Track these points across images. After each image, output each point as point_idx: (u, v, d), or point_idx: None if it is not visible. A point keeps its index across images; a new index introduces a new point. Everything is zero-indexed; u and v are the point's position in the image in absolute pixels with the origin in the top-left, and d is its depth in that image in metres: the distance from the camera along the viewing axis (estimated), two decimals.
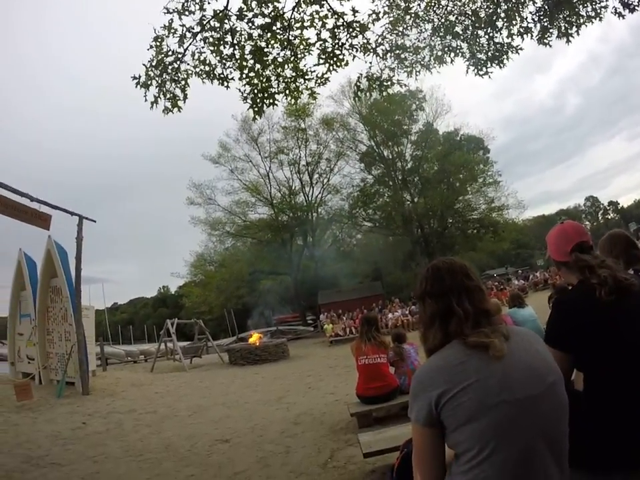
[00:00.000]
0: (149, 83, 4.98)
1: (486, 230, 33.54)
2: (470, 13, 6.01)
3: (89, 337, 9.72)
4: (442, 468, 1.25)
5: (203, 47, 4.95)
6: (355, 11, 5.01)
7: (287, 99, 5.55)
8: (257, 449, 4.78)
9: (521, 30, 5.93)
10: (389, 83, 5.77)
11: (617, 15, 5.82)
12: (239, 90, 5.22)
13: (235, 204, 32.83)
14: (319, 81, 5.41)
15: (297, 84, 5.44)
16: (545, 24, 5.92)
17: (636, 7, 5.73)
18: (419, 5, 6.00)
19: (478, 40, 6.01)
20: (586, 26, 5.96)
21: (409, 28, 5.94)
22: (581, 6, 5.82)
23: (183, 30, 4.77)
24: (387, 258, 35.79)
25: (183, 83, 5.10)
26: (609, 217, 68.31)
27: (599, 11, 5.86)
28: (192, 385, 10.65)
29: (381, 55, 5.61)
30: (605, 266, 1.60)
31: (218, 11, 4.75)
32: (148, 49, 4.89)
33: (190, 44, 4.90)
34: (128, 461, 4.74)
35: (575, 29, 5.95)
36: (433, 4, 6.06)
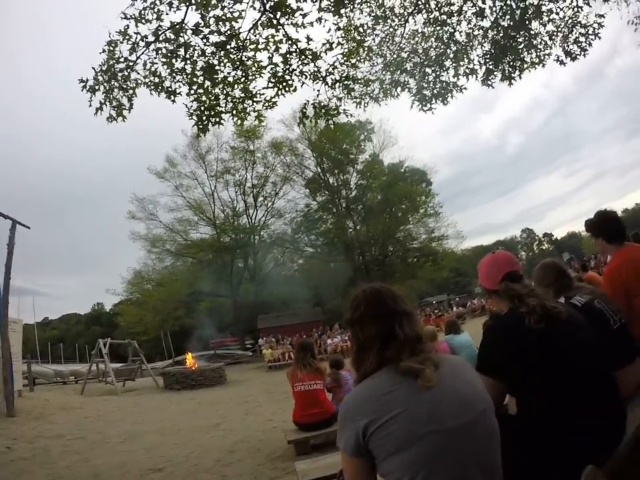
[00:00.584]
0: (97, 87, 4.81)
1: (426, 258, 34.79)
2: (421, 51, 6.34)
3: (15, 354, 8.98)
4: None
5: (155, 58, 4.87)
6: (309, 39, 5.11)
7: (233, 119, 5.54)
8: (192, 478, 4.59)
9: (467, 71, 6.33)
10: (335, 111, 5.90)
11: (559, 62, 6.34)
12: (186, 105, 5.16)
13: (177, 221, 32.31)
14: (266, 104, 5.44)
15: (245, 105, 5.44)
16: (490, 67, 6.35)
17: (577, 56, 6.29)
18: (373, 39, 6.26)
19: (425, 77, 6.34)
20: (529, 71, 6.48)
21: (360, 60, 6.17)
22: (526, 52, 6.30)
23: (136, 38, 4.67)
24: (327, 284, 35.85)
25: (131, 92, 4.96)
26: (544, 248, 72.81)
27: (542, 57, 6.37)
28: (124, 410, 10.12)
29: (330, 84, 5.75)
30: (533, 295, 1.68)
31: (175, 23, 4.69)
32: (100, 53, 4.73)
33: (142, 53, 4.80)
34: None
35: (517, 72, 6.42)
36: (387, 40, 6.34)
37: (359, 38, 5.99)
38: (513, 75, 6.39)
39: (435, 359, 1.28)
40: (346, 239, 33.10)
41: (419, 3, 6.26)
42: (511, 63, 6.36)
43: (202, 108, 5.23)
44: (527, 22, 6.09)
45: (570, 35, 6.22)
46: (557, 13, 6.14)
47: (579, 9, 6.02)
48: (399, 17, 6.43)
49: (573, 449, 1.42)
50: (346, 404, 1.28)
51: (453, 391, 1.22)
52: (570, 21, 6.14)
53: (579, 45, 6.24)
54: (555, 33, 6.27)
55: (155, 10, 4.56)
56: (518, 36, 6.18)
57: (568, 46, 6.29)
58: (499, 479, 1.24)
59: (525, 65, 6.40)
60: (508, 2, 6.04)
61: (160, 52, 4.82)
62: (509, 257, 1.93)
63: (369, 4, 6.16)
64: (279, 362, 18.47)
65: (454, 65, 6.30)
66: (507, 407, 1.77)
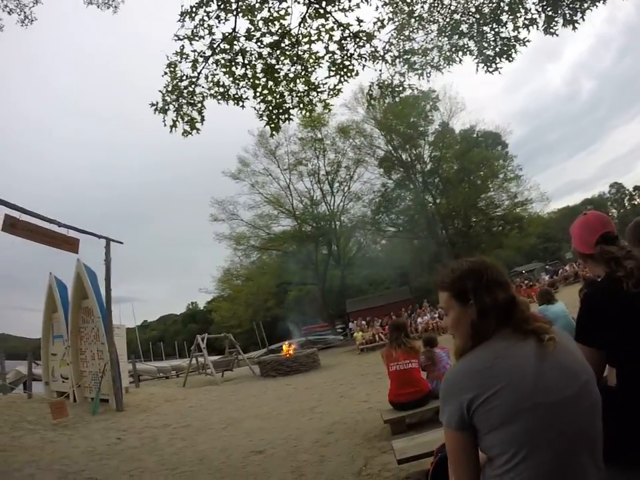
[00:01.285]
0: (167, 107, 5.15)
1: (511, 226, 33.00)
2: (474, 10, 5.98)
3: (121, 355, 9.97)
4: (477, 471, 1.23)
5: (215, 70, 5.11)
6: (360, 21, 5.07)
7: (301, 112, 5.62)
8: (291, 459, 4.76)
9: (526, 22, 5.85)
10: (401, 88, 5.79)
11: None
12: (254, 108, 5.34)
13: (258, 217, 33.36)
14: (331, 92, 5.48)
15: (310, 97, 5.51)
16: (549, 13, 5.82)
17: None
18: (422, 7, 6.02)
19: (485, 36, 5.97)
20: (591, 10, 5.82)
21: (414, 31, 5.97)
22: None
23: (194, 55, 4.93)
24: (413, 262, 35.11)
25: (199, 105, 5.25)
26: (636, 203, 65.63)
27: None
28: (224, 398, 10.72)
29: (390, 62, 5.66)
30: (630, 257, 1.57)
31: (227, 34, 4.88)
32: (162, 75, 5.06)
33: (203, 67, 5.06)
34: (164, 474, 4.80)
35: (579, 14, 5.82)
36: (436, 5, 6.06)
37: (407, 9, 5.79)
38: (574, 17, 5.79)
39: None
40: (427, 214, 32.27)
41: None
42: (570, 5, 5.74)
43: (270, 108, 5.39)
44: None
45: None
46: None
47: None
48: None
49: None
50: (448, 379, 1.28)
51: (556, 361, 1.20)
52: None
53: None
54: None
55: (205, 26, 4.78)
56: None
57: None
58: (600, 450, 1.20)
59: (586, 5, 5.76)
60: None
61: (219, 63, 5.06)
62: (601, 217, 1.82)
63: None
64: (370, 344, 18.53)
65: (511, 18, 5.83)
66: (607, 378, 1.70)
